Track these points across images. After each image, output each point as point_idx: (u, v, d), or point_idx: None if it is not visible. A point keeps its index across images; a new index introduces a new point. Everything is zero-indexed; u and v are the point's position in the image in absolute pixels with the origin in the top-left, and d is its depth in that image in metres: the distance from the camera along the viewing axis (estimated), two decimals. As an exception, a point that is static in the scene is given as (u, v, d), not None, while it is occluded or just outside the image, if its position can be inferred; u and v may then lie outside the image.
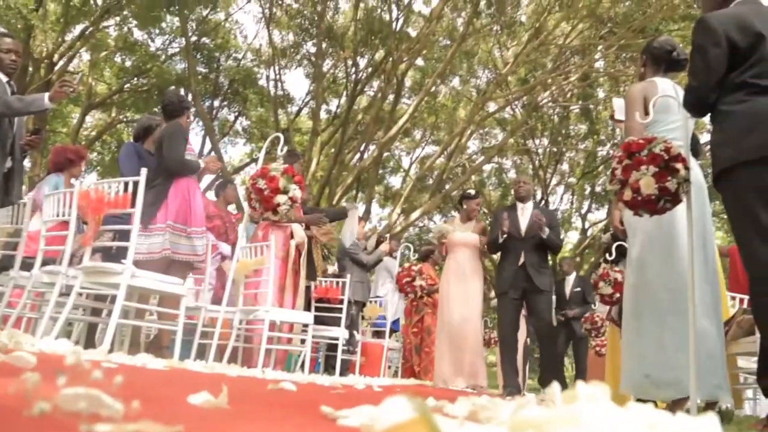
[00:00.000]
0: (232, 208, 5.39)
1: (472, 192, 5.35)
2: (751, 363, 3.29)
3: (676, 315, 2.59)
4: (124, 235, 3.10)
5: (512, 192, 5.22)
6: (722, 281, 3.11)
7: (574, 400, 0.59)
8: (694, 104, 2.18)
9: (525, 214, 4.70)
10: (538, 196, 16.03)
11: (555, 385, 0.62)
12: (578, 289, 7.10)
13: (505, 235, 4.52)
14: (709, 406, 2.84)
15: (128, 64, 14.61)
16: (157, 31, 14.30)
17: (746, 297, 3.74)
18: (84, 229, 3.29)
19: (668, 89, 2.76)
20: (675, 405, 2.67)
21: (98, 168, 16.12)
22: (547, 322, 4.61)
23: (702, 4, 2.35)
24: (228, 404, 0.86)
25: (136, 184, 3.01)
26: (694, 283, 2.38)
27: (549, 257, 4.90)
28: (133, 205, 3.01)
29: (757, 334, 2.05)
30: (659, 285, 2.70)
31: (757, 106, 1.94)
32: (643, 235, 2.81)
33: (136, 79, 14.57)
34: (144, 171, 3.04)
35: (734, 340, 3.09)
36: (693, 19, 11.57)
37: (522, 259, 4.51)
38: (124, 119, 16.03)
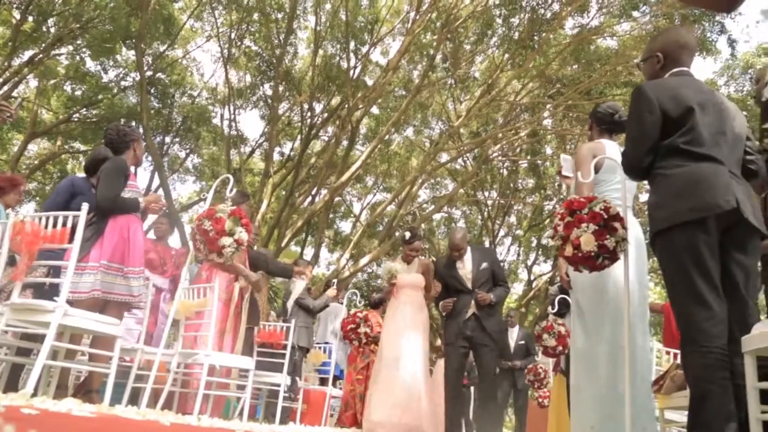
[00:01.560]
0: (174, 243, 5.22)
1: (407, 235, 4.96)
2: (684, 416, 3.38)
3: (614, 368, 2.67)
4: (58, 271, 2.97)
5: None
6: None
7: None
8: (630, 168, 2.28)
9: (466, 265, 4.51)
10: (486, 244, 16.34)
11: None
12: (522, 342, 7.14)
13: (448, 309, 4.43)
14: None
15: (78, 93, 14.31)
16: (111, 62, 14.12)
17: (679, 352, 3.88)
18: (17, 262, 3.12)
19: (614, 151, 2.92)
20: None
21: (37, 198, 15.50)
22: (491, 377, 4.42)
23: (643, 71, 2.51)
24: (154, 457, 0.82)
25: (76, 218, 2.91)
26: (636, 340, 2.46)
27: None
28: (71, 240, 2.89)
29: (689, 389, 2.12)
30: (599, 338, 2.77)
31: (692, 171, 2.06)
32: (584, 289, 2.91)
33: (85, 109, 14.25)
34: (85, 206, 2.94)
35: (667, 395, 3.18)
36: (634, 85, 12.34)
37: (472, 311, 4.39)
38: (70, 150, 15.57)
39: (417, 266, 4.90)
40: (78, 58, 13.57)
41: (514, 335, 7.27)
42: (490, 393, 4.44)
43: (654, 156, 2.18)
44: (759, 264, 2.18)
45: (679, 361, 3.81)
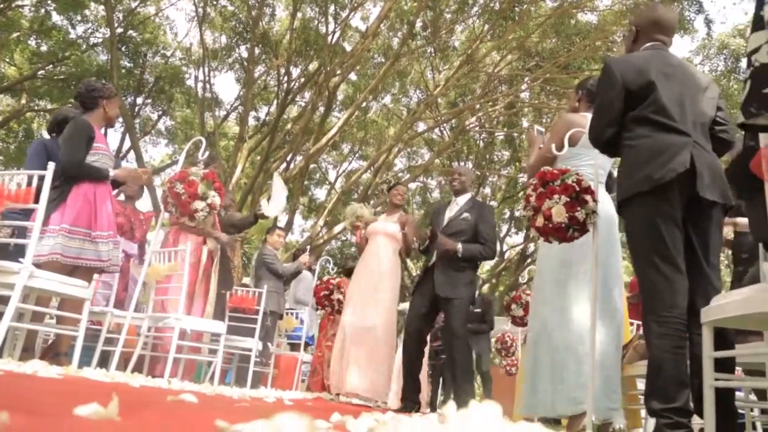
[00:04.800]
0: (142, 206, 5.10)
1: (392, 182, 4.95)
2: (644, 385, 3.51)
3: (575, 339, 2.74)
4: (23, 232, 2.90)
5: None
6: (626, 308, 3.31)
7: (468, 418, 0.60)
8: (593, 139, 2.33)
9: (453, 208, 4.13)
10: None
11: (450, 404, 0.63)
12: (478, 310, 6.91)
13: (426, 243, 4.01)
14: (605, 425, 3.00)
15: (43, 48, 13.76)
16: (79, 17, 13.58)
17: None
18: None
19: None
20: (572, 422, 2.80)
21: (0, 157, 15.04)
22: (454, 333, 3.87)
23: (624, 46, 2.56)
24: (119, 416, 0.82)
25: (41, 178, 2.83)
26: (610, 306, 2.53)
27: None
28: (36, 200, 2.82)
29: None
30: (561, 309, 2.84)
31: (655, 141, 2.11)
32: (550, 259, 2.96)
33: (51, 65, 13.73)
34: (51, 165, 2.86)
35: (630, 363, 3.28)
36: (611, 61, 12.40)
37: (434, 258, 3.97)
38: (35, 107, 15.05)
39: (397, 217, 4.58)
40: (43, 11, 13.00)
41: None
42: (456, 356, 3.91)
43: (619, 128, 2.22)
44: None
45: (641, 331, 3.95)
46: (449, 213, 4.11)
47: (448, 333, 3.95)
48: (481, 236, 4.00)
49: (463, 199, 4.15)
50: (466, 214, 4.03)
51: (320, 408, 2.71)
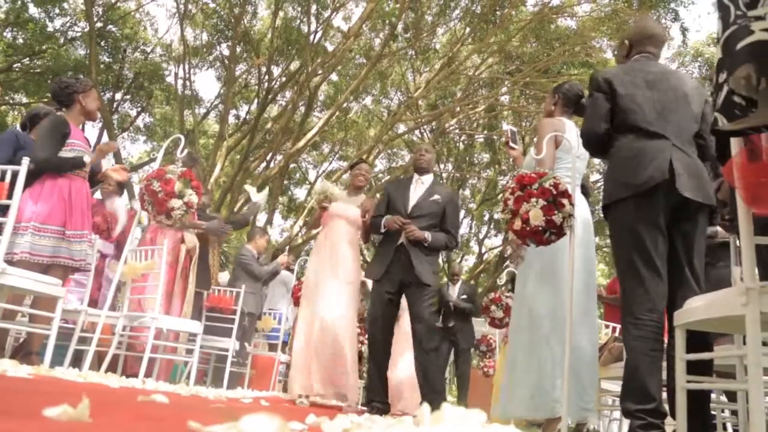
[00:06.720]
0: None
1: (356, 160, 4.46)
2: (619, 386, 3.55)
3: (555, 340, 2.76)
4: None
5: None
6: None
7: (442, 421, 0.61)
8: (588, 138, 2.35)
9: (418, 188, 3.85)
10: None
11: (425, 406, 0.64)
12: (465, 295, 6.56)
13: (384, 229, 3.70)
14: (579, 426, 3.04)
15: (20, 41, 13.48)
16: (57, 10, 13.34)
17: (619, 326, 4.05)
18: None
19: (572, 132, 2.98)
20: (548, 424, 2.83)
21: (-26, 152, 14.65)
22: (427, 324, 3.58)
23: (616, 57, 2.66)
24: (90, 417, 0.80)
25: (15, 173, 2.78)
26: (575, 311, 2.55)
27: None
28: (9, 196, 2.77)
29: (625, 361, 2.21)
30: (542, 311, 2.86)
31: (634, 147, 2.15)
32: (530, 264, 2.98)
33: (28, 59, 13.46)
34: (26, 160, 2.80)
35: (605, 366, 3.32)
36: (590, 66, 12.60)
37: (401, 240, 3.64)
38: (10, 101, 14.74)
39: (360, 201, 4.12)
40: (19, 2, 12.74)
41: (455, 292, 6.61)
42: (426, 350, 3.56)
43: (611, 128, 2.26)
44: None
45: (617, 334, 4.00)
46: (415, 192, 3.84)
47: (420, 322, 3.58)
48: (448, 224, 3.80)
49: (428, 179, 3.92)
50: (436, 196, 3.80)
51: (296, 409, 2.70)
